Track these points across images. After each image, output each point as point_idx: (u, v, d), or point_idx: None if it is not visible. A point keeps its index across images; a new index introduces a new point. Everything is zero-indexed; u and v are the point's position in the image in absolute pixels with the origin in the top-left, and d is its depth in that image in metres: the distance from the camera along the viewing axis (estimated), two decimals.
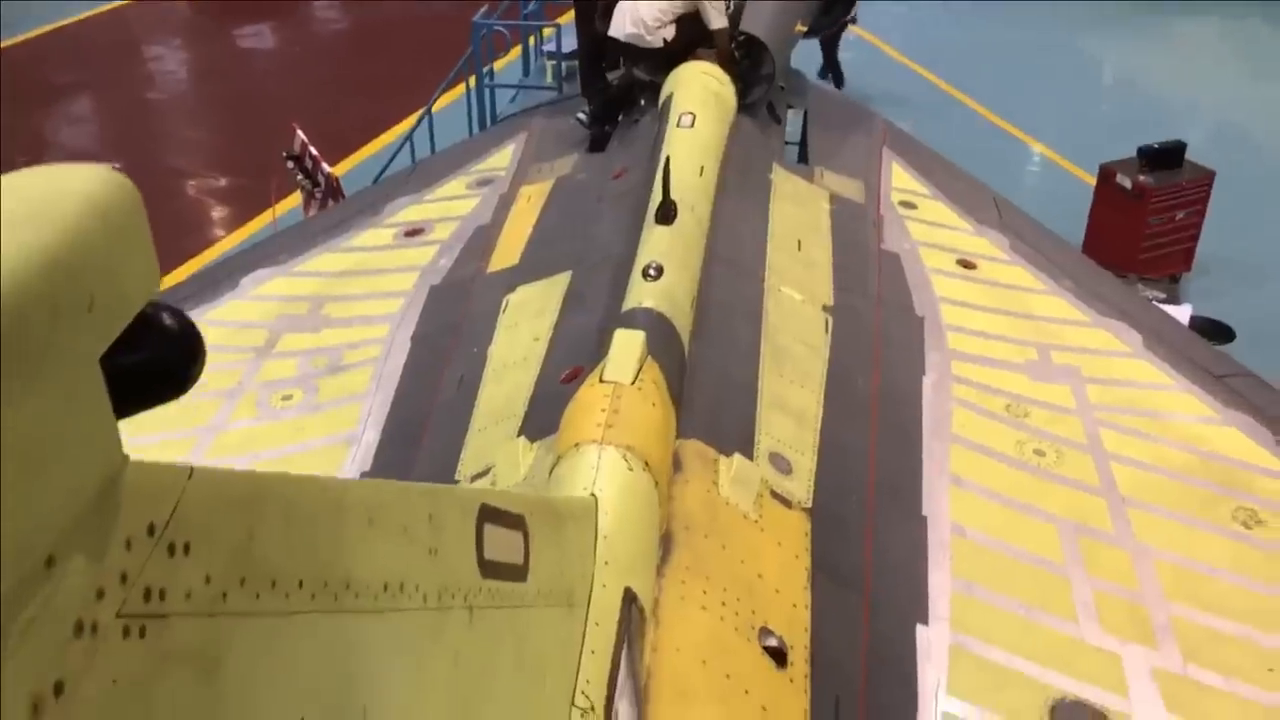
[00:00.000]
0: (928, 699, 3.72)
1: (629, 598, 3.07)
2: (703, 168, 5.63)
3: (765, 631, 3.52)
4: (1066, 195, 11.25)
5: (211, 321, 5.96)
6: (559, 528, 2.51)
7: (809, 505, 4.18)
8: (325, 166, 9.31)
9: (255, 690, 1.13)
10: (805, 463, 4.39)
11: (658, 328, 4.25)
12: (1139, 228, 9.63)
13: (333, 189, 9.18)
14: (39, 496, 0.86)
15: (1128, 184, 9.80)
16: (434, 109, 10.75)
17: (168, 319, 1.01)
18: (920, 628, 3.96)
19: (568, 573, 2.55)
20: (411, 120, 11.27)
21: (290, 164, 9.68)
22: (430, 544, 1.57)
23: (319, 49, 17.77)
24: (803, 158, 7.38)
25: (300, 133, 9.67)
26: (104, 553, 0.93)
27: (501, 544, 1.90)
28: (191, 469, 1.05)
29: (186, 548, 1.03)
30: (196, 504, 1.05)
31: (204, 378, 1.06)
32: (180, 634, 1.03)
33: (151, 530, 0.99)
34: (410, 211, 7.02)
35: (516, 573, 2.00)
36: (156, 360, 0.99)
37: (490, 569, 1.82)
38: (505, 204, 6.73)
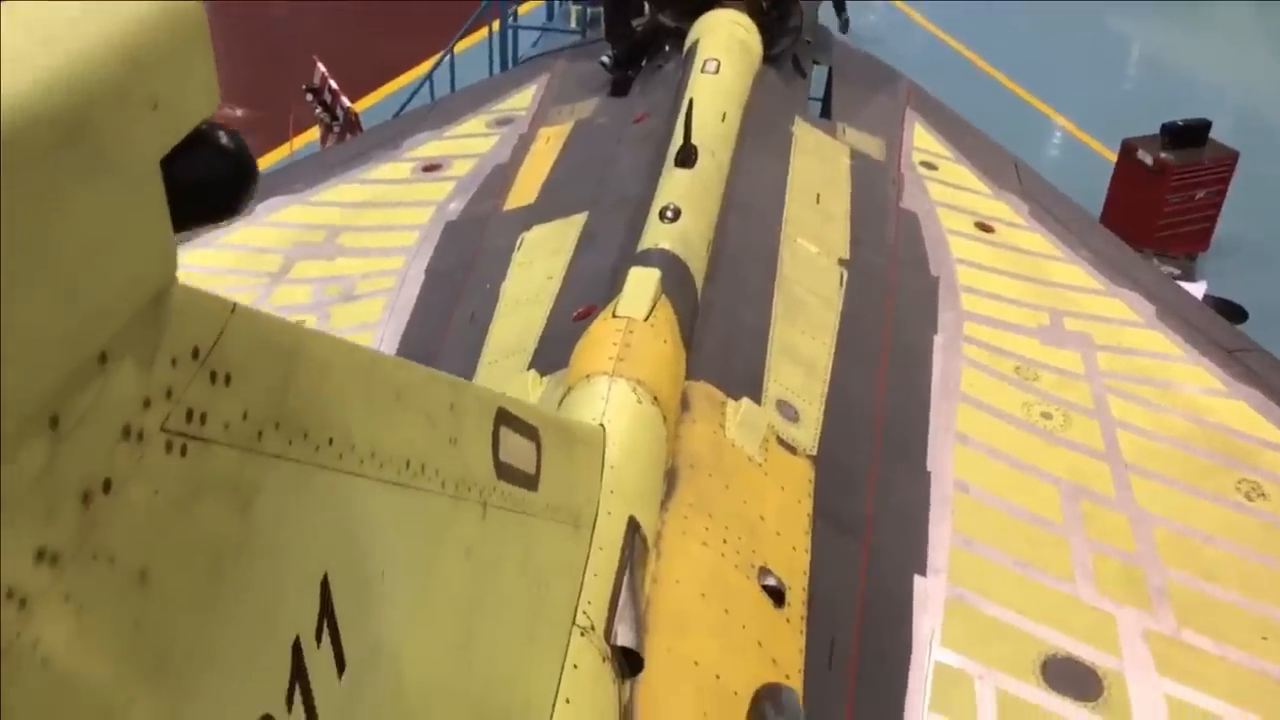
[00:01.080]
0: (921, 647, 3.76)
1: (633, 526, 3.10)
2: (725, 114, 5.60)
3: (764, 571, 3.55)
4: (1086, 170, 11.19)
5: (226, 246, 5.97)
6: (569, 448, 2.53)
7: (814, 453, 4.20)
8: (345, 100, 9.28)
9: (283, 534, 1.15)
10: (812, 412, 4.40)
11: (672, 269, 4.25)
12: (1158, 205, 9.58)
13: (351, 123, 9.15)
14: (97, 286, 0.88)
15: (1149, 160, 9.74)
16: (456, 50, 10.69)
17: (225, 138, 1.02)
18: (918, 578, 4.00)
19: (575, 493, 2.57)
20: (432, 61, 11.21)
21: (309, 97, 9.65)
22: (451, 433, 1.59)
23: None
24: (825, 114, 7.34)
25: (321, 66, 9.62)
26: (151, 363, 0.95)
27: (516, 450, 1.92)
28: (235, 304, 1.07)
29: (227, 379, 1.05)
30: (238, 339, 1.06)
31: None
32: (218, 462, 1.05)
33: (196, 354, 1.01)
34: (429, 147, 7.00)
35: (528, 481, 2.02)
36: (211, 178, 1.00)
37: (504, 471, 1.83)
38: (524, 144, 6.70)
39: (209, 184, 1.00)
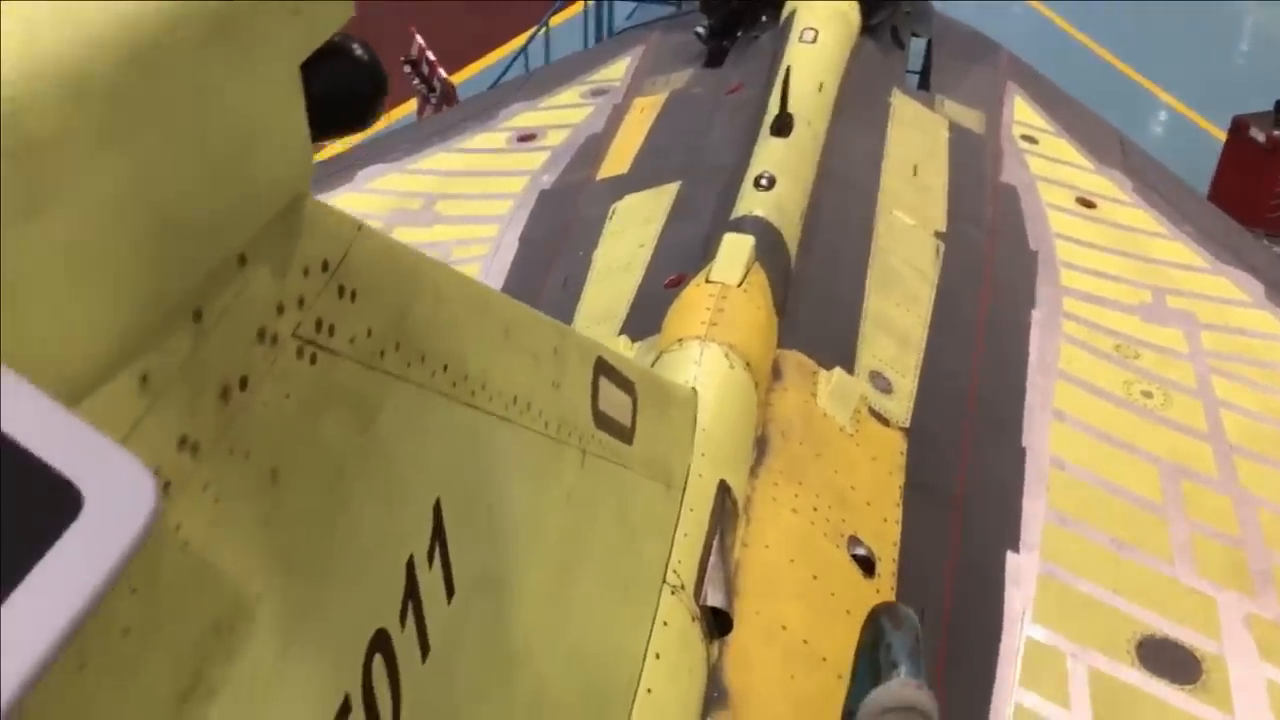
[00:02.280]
0: (1013, 622, 3.71)
1: (723, 489, 3.10)
2: (822, 84, 5.54)
3: (854, 540, 3.53)
4: (1193, 149, 10.85)
5: None
6: (663, 407, 2.54)
7: (907, 425, 4.16)
8: (441, 72, 9.37)
9: (402, 453, 1.18)
10: (906, 384, 4.36)
11: (766, 236, 4.23)
12: (1269, 184, 9.26)
13: (448, 94, 9.24)
14: (241, 182, 0.92)
15: (1261, 137, 9.41)
16: (552, 24, 10.73)
17: (359, 50, 1.04)
18: (1010, 554, 3.94)
19: (668, 452, 2.58)
20: (528, 35, 11.27)
21: (407, 69, 9.76)
22: (554, 376, 1.61)
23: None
24: (924, 86, 7.22)
25: (419, 38, 9.73)
26: (286, 270, 0.98)
27: (613, 401, 1.93)
28: (361, 224, 1.10)
29: (354, 295, 1.08)
30: (364, 257, 1.09)
31: None
32: (344, 375, 1.08)
33: (325, 266, 1.04)
34: (524, 117, 7.05)
35: (624, 433, 2.03)
36: (346, 89, 1.03)
37: (602, 420, 1.85)
38: (618, 114, 6.71)
39: (343, 94, 1.02)
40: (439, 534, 1.26)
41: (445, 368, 1.26)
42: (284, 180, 0.98)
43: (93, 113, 0.77)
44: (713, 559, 2.90)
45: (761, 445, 3.57)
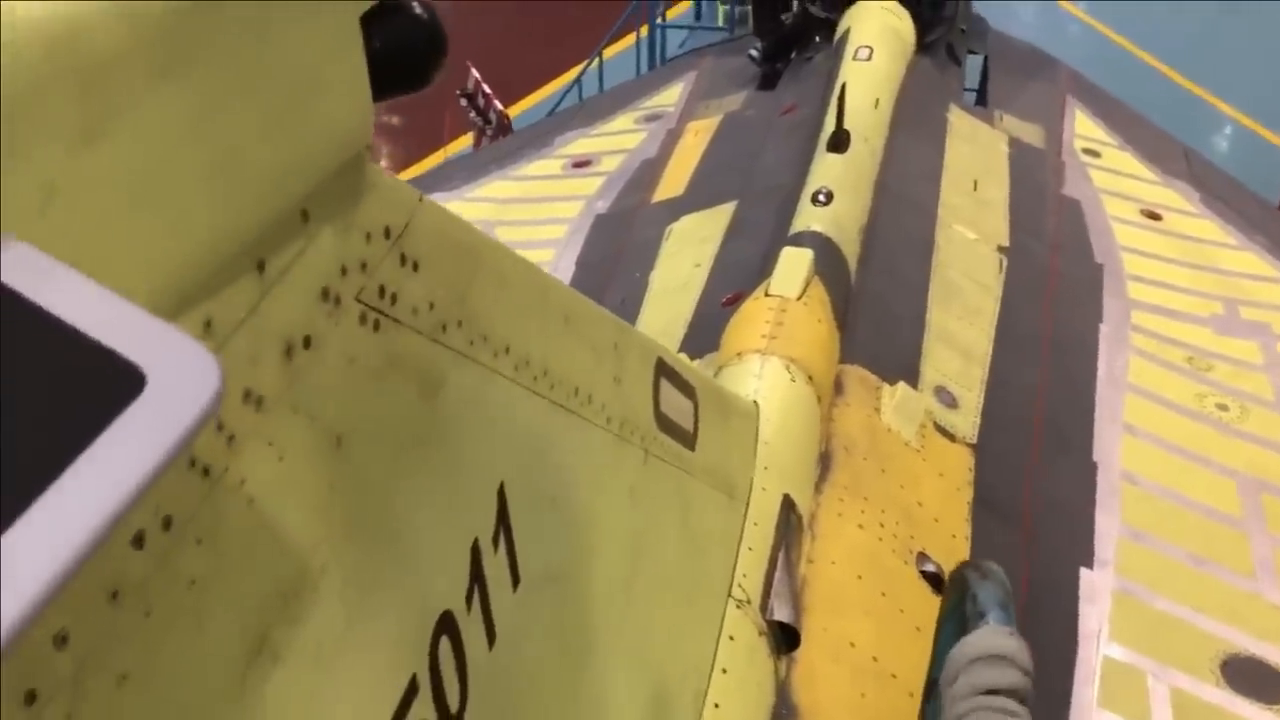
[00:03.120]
0: (1089, 641, 3.60)
1: (788, 504, 3.05)
2: (878, 100, 5.50)
3: (923, 557, 3.45)
4: (1260, 162, 10.64)
5: None
6: (725, 415, 2.50)
7: (974, 441, 4.08)
8: (497, 104, 9.45)
9: (465, 433, 1.16)
10: (971, 398, 4.27)
11: (825, 251, 4.19)
12: None
13: (504, 126, 9.32)
14: (302, 130, 0.91)
15: None
16: (605, 55, 10.79)
17: (418, 7, 1.03)
18: (1084, 570, 3.83)
19: (730, 462, 2.54)
20: (581, 66, 11.35)
21: (464, 101, 9.86)
22: (615, 371, 1.58)
23: None
24: (981, 103, 7.15)
25: (474, 70, 9.83)
26: (348, 231, 0.97)
27: (674, 404, 1.90)
28: (422, 195, 1.09)
29: (415, 265, 1.06)
30: (426, 228, 1.08)
31: None
32: (407, 345, 1.06)
33: (387, 233, 1.03)
34: (579, 144, 7.08)
35: (686, 439, 2.00)
36: (406, 46, 1.01)
37: (664, 423, 1.82)
38: (672, 138, 6.71)
39: (402, 52, 1.01)
40: (503, 519, 1.23)
41: (507, 350, 1.24)
42: (345, 134, 0.97)
43: (152, 42, 0.77)
44: (778, 574, 2.84)
45: (825, 461, 3.51)
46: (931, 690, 1.99)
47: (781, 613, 2.77)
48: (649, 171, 6.40)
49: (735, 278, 4.64)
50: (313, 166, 0.94)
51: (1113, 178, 6.21)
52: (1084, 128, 6.73)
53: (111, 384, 0.54)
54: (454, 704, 1.13)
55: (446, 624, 1.12)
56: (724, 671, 2.42)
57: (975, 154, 5.93)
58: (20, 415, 0.53)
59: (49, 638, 0.68)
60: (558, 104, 10.27)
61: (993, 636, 1.39)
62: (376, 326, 1.02)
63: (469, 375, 1.17)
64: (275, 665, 0.89)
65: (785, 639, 2.79)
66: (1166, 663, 3.55)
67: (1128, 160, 6.45)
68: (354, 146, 0.99)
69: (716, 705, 2.35)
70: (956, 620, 1.51)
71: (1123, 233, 5.70)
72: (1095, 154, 6.43)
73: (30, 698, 0.67)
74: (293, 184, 0.92)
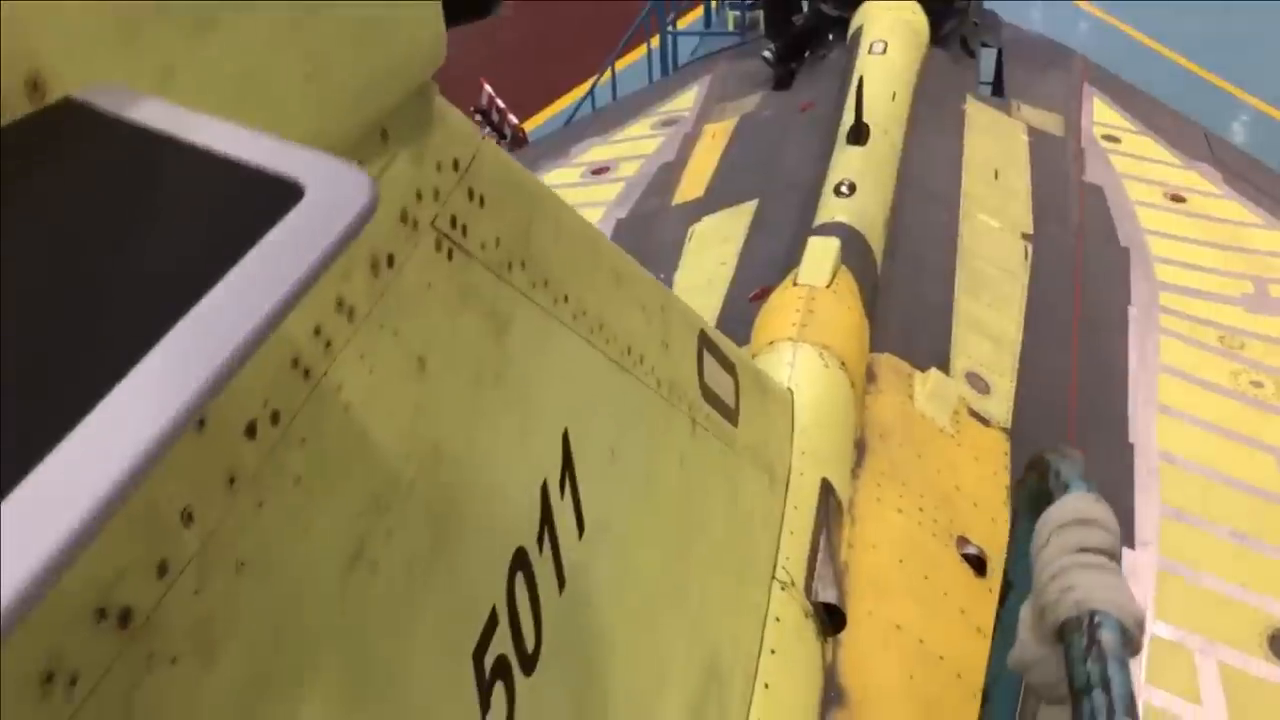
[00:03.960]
0: None
1: (826, 488, 3.04)
2: (895, 93, 5.50)
3: (963, 540, 3.43)
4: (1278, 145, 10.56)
5: None
6: (763, 396, 2.49)
7: (1008, 426, 4.06)
8: (512, 118, 9.50)
9: (532, 374, 1.17)
10: (1004, 384, 4.26)
11: (851, 241, 4.18)
12: None
13: (519, 139, 9.35)
14: (381, 47, 0.93)
15: None
16: (617, 67, 10.82)
17: None
18: (1126, 551, 3.80)
19: (769, 443, 2.54)
20: (594, 78, 11.38)
21: (478, 118, 9.90)
22: (662, 335, 1.58)
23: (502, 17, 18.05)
24: (998, 94, 7.15)
25: (487, 87, 9.88)
26: (422, 157, 0.99)
27: (717, 378, 1.90)
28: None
29: (482, 200, 1.08)
30: (489, 166, 1.10)
31: None
32: (478, 278, 1.08)
33: (456, 165, 1.05)
34: (596, 152, 7.09)
35: (729, 413, 2.00)
36: None
37: (708, 395, 1.82)
38: (689, 142, 6.72)
39: None
40: (568, 465, 1.24)
41: (566, 298, 1.25)
42: (420, 56, 1.00)
43: None
44: (820, 557, 2.83)
45: (860, 448, 3.50)
46: (991, 688, 1.98)
47: (826, 594, 2.75)
48: (668, 175, 6.41)
49: (761, 273, 4.64)
50: (393, 84, 0.96)
51: (1134, 163, 6.19)
52: (1103, 115, 6.71)
53: (275, 196, 0.56)
54: (530, 643, 1.13)
55: (521, 561, 1.13)
56: (772, 652, 2.42)
57: (995, 144, 5.92)
58: (194, 224, 0.56)
59: (176, 512, 0.70)
60: (572, 116, 10.31)
61: (1080, 501, 1.40)
62: (450, 255, 1.04)
63: (533, 318, 1.18)
64: (372, 576, 0.91)
65: (831, 621, 2.78)
66: (1214, 638, 3.52)
67: (1149, 145, 6.42)
68: (427, 70, 1.01)
69: (766, 686, 2.34)
70: (1034, 500, 1.51)
71: (1147, 216, 5.67)
72: (1115, 140, 6.41)
73: (162, 569, 0.69)
74: (375, 99, 0.94)
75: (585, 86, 12.57)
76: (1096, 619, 1.35)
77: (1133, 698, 1.26)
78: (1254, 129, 12.27)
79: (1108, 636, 1.32)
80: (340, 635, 0.87)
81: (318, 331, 0.85)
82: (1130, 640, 1.34)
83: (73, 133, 0.62)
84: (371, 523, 0.93)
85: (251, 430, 0.79)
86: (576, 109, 10.61)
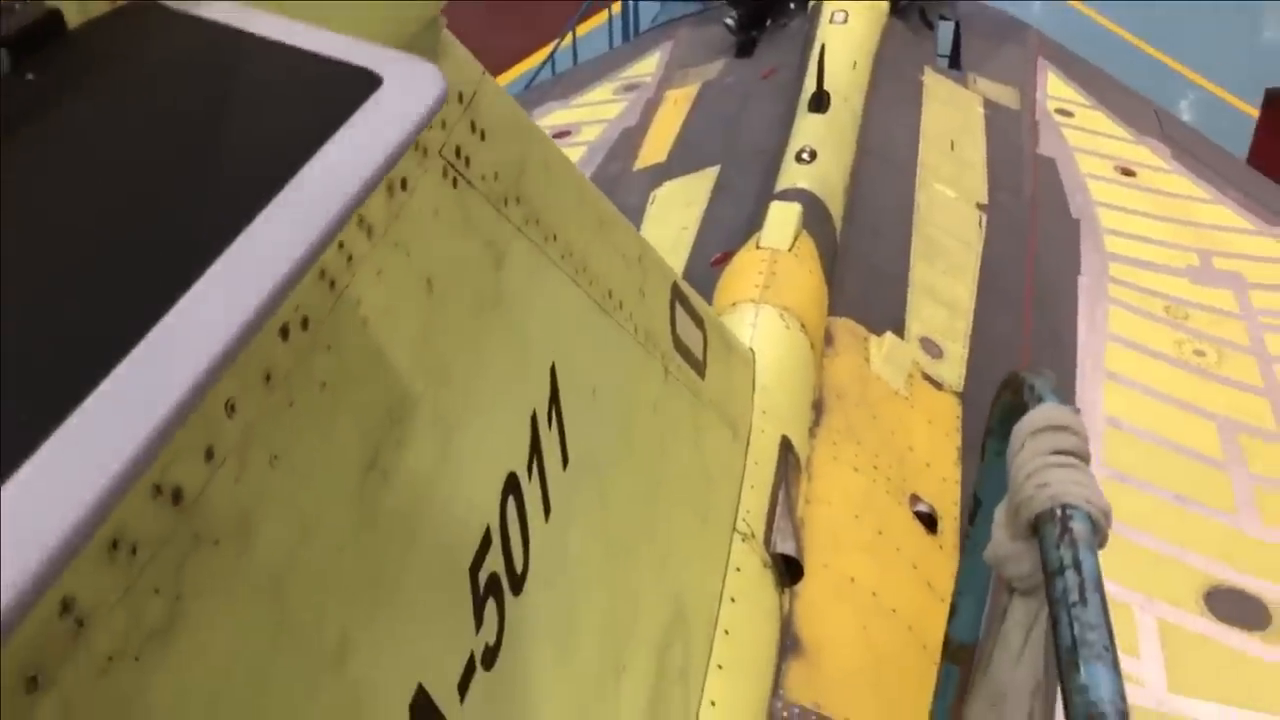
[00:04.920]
0: None
1: (786, 445, 3.12)
2: (855, 62, 5.57)
3: (915, 498, 3.53)
4: (1227, 127, 10.75)
5: None
6: (728, 353, 2.56)
7: (960, 390, 4.16)
8: None
9: (524, 306, 1.23)
10: (957, 350, 4.36)
11: (811, 207, 4.25)
12: None
13: None
14: None
15: None
16: (579, 32, 10.78)
17: None
18: None
19: (733, 399, 2.60)
20: (554, 44, 11.33)
21: None
22: (639, 283, 1.64)
23: None
24: (955, 67, 7.23)
25: None
26: None
27: (687, 330, 1.96)
28: (483, 69, 1.15)
29: (483, 134, 1.12)
30: (490, 101, 1.14)
31: None
32: (478, 209, 1.12)
33: (461, 98, 1.09)
34: (558, 116, 7.10)
35: (698, 366, 2.06)
36: None
37: (680, 346, 1.87)
38: (651, 107, 6.75)
39: None
40: (555, 399, 1.29)
41: (555, 237, 1.30)
42: None
43: None
44: (780, 510, 2.91)
45: (818, 408, 3.58)
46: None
47: (784, 546, 2.83)
48: (630, 140, 6.44)
49: (722, 238, 4.70)
50: (407, 15, 0.99)
51: (1086, 136, 6.31)
52: (1056, 89, 6.82)
53: (357, 85, 0.61)
54: (519, 565, 1.19)
55: (512, 486, 1.18)
56: (733, 600, 2.49)
57: (951, 115, 6.01)
58: (288, 107, 0.60)
59: (222, 403, 0.75)
60: (532, 80, 10.27)
61: (1053, 409, 1.50)
62: (455, 184, 1.08)
63: (526, 253, 1.23)
64: (384, 483, 0.96)
65: (788, 573, 2.86)
66: (1153, 596, 3.65)
67: (1100, 119, 6.55)
68: (437, 3, 1.05)
69: (727, 632, 2.42)
70: (1008, 415, 1.61)
71: (1098, 189, 5.80)
72: (1068, 114, 6.53)
73: (209, 454, 0.74)
74: (393, 28, 0.97)
75: (546, 51, 12.53)
76: (1069, 511, 1.45)
77: (1100, 578, 1.37)
78: (1202, 108, 12.47)
79: (1079, 526, 1.43)
80: (356, 536, 0.93)
81: (341, 245, 0.89)
82: (1099, 531, 1.45)
83: (156, 27, 0.66)
84: (385, 432, 0.98)
85: (285, 332, 0.84)
86: (537, 73, 10.57)
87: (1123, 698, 1.23)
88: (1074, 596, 1.34)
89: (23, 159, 0.56)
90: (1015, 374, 1.66)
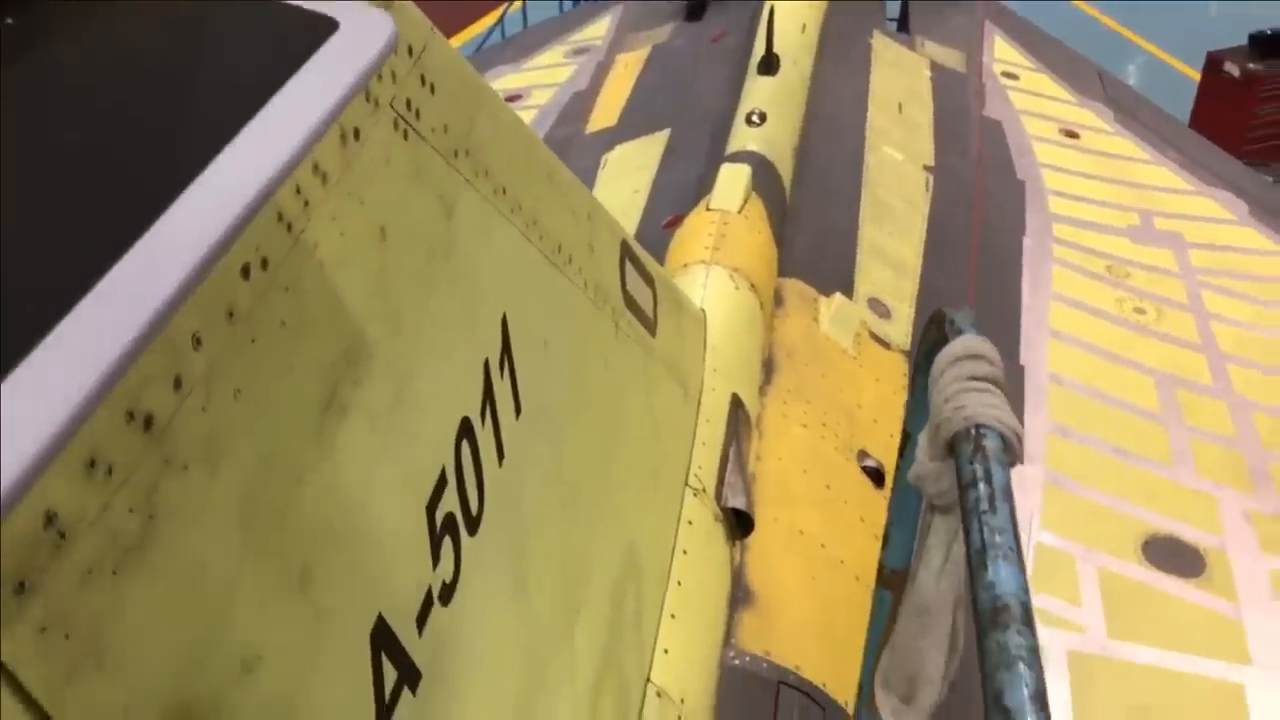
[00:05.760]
0: (1022, 529, 3.79)
1: (736, 403, 3.17)
2: (805, 25, 5.61)
3: (864, 454, 3.61)
4: (1170, 91, 10.92)
5: None
6: (679, 312, 2.60)
7: (907, 349, 4.24)
8: None
9: (474, 257, 1.26)
10: (904, 310, 4.44)
11: (761, 169, 4.29)
12: (1245, 117, 9.36)
13: None
14: None
15: (1235, 72, 9.51)
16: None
17: None
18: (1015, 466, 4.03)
19: (684, 357, 2.65)
20: (502, 9, 11.27)
21: None
22: (589, 239, 1.68)
23: None
24: (903, 31, 7.30)
25: None
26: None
27: (638, 288, 2.00)
28: (432, 25, 1.17)
29: (433, 87, 1.15)
30: (439, 55, 1.17)
31: None
32: (428, 160, 1.16)
33: (410, 51, 1.11)
34: (508, 80, 7.09)
35: (648, 323, 2.10)
36: None
37: (630, 303, 1.92)
38: (602, 70, 6.76)
39: None
40: (507, 349, 1.33)
41: (504, 191, 1.33)
42: None
43: None
44: (730, 465, 2.97)
45: (768, 367, 3.64)
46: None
47: (735, 501, 2.90)
48: (581, 103, 6.45)
49: (674, 201, 4.73)
50: None
51: (1031, 99, 6.41)
52: (1003, 52, 6.91)
53: (316, 28, 0.64)
54: (474, 506, 1.23)
55: (466, 430, 1.23)
56: (685, 553, 2.55)
57: (899, 78, 6.07)
58: (251, 47, 0.64)
59: (189, 335, 0.79)
60: (482, 43, 10.22)
61: (971, 340, 1.59)
62: (406, 136, 1.11)
63: (476, 205, 1.26)
64: (341, 420, 1.00)
65: (739, 526, 2.92)
66: (1093, 546, 3.76)
67: (1045, 82, 6.65)
68: None
69: (679, 583, 2.48)
70: (932, 350, 1.69)
71: (1043, 151, 5.90)
72: (1014, 77, 6.62)
73: (178, 383, 0.78)
74: None
75: (495, 14, 12.45)
76: (982, 430, 1.55)
77: (1010, 490, 1.46)
78: (1147, 72, 12.65)
79: (991, 444, 1.54)
80: (316, 468, 0.97)
81: (298, 190, 0.92)
82: (1010, 448, 1.54)
83: None
84: (342, 372, 1.02)
85: (246, 272, 0.88)
86: (487, 37, 10.52)
87: (1026, 591, 1.32)
88: (984, 505, 1.44)
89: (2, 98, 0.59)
90: (939, 310, 1.75)
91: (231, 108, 0.61)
